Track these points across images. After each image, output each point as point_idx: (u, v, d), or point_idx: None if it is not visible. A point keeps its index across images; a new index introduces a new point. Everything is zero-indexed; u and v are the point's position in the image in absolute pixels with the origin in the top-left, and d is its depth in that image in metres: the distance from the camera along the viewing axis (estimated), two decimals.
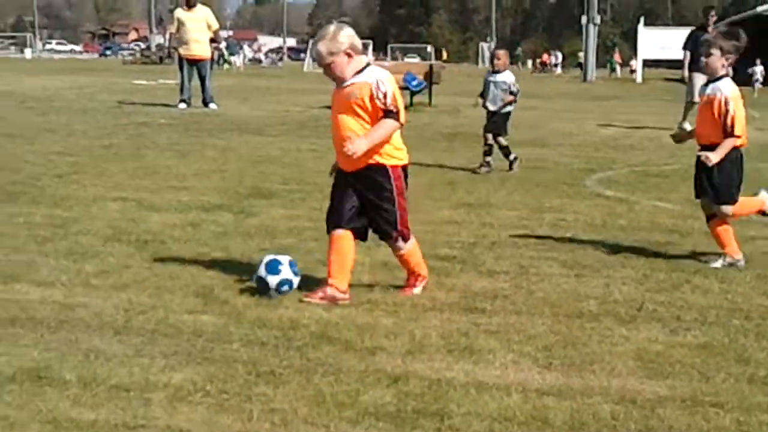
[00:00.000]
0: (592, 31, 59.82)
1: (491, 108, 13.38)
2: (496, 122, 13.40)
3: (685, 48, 21.54)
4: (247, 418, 4.30)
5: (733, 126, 7.34)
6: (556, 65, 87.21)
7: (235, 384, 4.68)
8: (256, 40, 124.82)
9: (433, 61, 48.92)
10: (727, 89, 7.41)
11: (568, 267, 7.43)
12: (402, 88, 25.59)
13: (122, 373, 4.77)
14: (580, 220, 9.53)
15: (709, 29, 21.50)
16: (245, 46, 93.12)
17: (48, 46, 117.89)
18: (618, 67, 75.60)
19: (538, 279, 7.03)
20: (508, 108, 13.46)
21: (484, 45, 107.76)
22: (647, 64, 65.66)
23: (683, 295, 6.64)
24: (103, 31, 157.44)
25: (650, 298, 6.53)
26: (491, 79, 13.47)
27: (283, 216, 9.33)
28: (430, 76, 27.53)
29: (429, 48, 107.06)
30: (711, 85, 7.52)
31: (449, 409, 4.43)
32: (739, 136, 7.43)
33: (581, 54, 65.37)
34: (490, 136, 13.33)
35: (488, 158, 13.25)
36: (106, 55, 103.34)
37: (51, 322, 5.61)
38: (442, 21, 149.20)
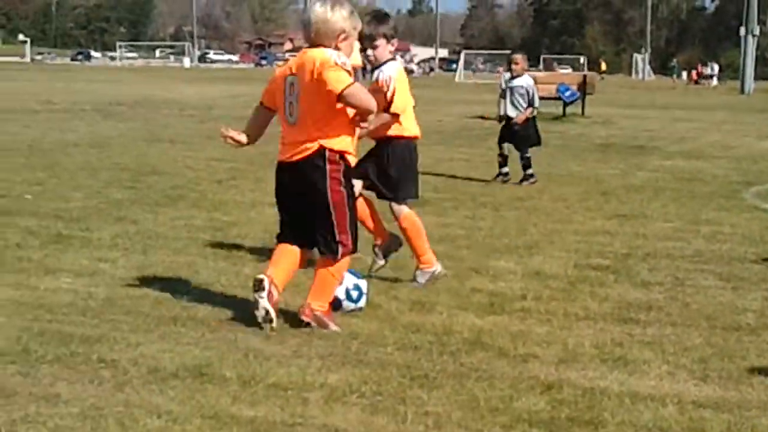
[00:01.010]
0: (751, 42, 58.46)
1: (511, 114, 12.80)
2: (518, 133, 12.76)
3: None
4: (401, 420, 4.35)
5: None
6: (711, 77, 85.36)
7: (390, 386, 4.75)
8: (408, 50, 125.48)
9: (587, 72, 48.46)
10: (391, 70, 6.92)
11: (725, 280, 7.31)
12: (555, 98, 25.49)
13: (280, 373, 4.88)
14: (738, 233, 9.35)
15: None
16: (398, 57, 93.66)
17: (206, 56, 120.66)
18: None
19: (693, 291, 6.93)
20: (527, 116, 12.84)
21: (638, 56, 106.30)
22: None
23: None
24: (260, 41, 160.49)
25: None
26: (510, 84, 12.89)
27: (436, 224, 9.38)
28: (583, 87, 27.30)
29: (582, 59, 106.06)
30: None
31: (603, 418, 4.41)
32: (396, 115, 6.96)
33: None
34: (506, 146, 12.82)
35: (504, 168, 12.76)
36: (261, 65, 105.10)
37: (211, 321, 5.77)
38: (595, 32, 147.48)
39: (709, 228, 9.58)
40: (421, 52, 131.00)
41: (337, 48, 5.71)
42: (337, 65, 5.56)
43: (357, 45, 6.21)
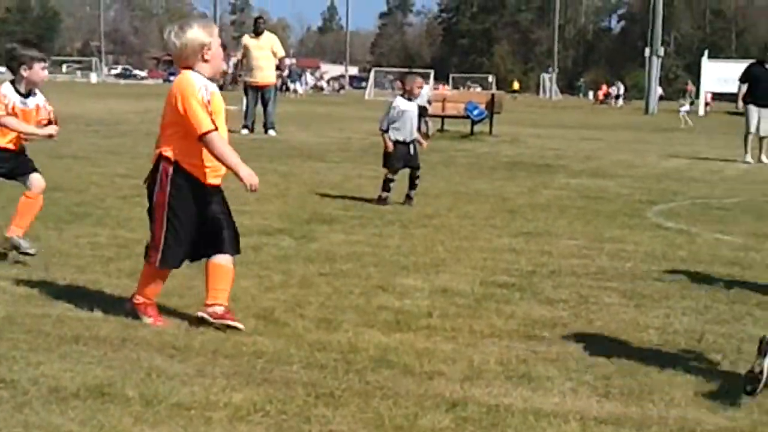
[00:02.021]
0: (656, 63, 59.56)
1: (407, 139, 12.38)
2: (414, 155, 12.44)
3: (741, 81, 21.51)
4: None
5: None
6: (617, 97, 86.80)
7: (295, 405, 4.72)
8: (318, 68, 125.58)
9: (495, 91, 48.88)
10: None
11: (628, 297, 7.41)
12: (463, 117, 25.71)
13: (183, 392, 4.83)
14: (641, 250, 9.49)
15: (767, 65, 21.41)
16: (307, 74, 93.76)
17: (113, 71, 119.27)
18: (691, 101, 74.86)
19: (597, 308, 7.02)
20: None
21: (545, 76, 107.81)
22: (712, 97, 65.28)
23: (744, 327, 6.59)
24: (168, 57, 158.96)
25: (710, 329, 6.49)
26: (405, 108, 12.34)
27: (344, 241, 9.39)
28: (491, 106, 27.54)
29: (490, 78, 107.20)
30: None
31: None
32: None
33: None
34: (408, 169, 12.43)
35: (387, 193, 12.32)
36: (170, 81, 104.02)
37: (114, 340, 5.69)
38: (504, 52, 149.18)
39: (613, 246, 9.71)
40: (331, 70, 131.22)
41: (205, 61, 5.93)
42: (202, 102, 5.83)
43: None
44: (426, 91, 27.34)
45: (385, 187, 12.26)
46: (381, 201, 12.15)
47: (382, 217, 11.09)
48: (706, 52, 66.51)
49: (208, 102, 5.87)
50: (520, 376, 5.31)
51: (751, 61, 22.66)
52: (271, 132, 23.71)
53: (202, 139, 5.80)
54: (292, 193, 12.81)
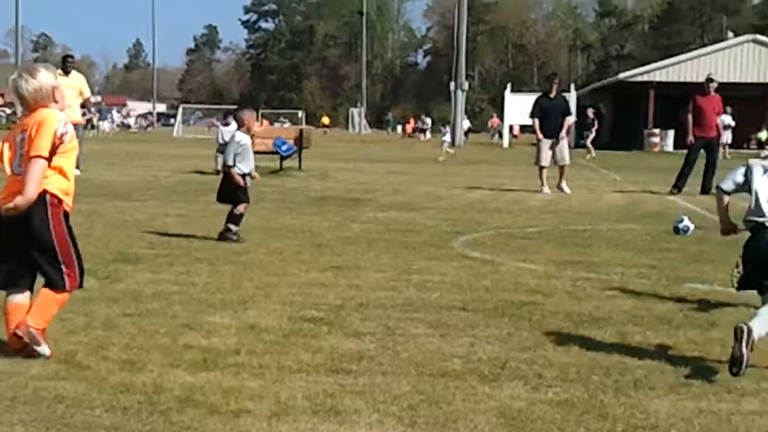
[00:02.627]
0: (461, 97, 60.95)
1: (251, 172, 12.62)
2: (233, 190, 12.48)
3: (532, 116, 22.27)
4: None
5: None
6: (424, 130, 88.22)
7: None
8: (125, 105, 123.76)
9: (304, 126, 49.02)
10: None
11: (434, 327, 7.52)
12: (272, 153, 25.73)
13: None
14: (447, 281, 9.65)
15: (552, 95, 22.22)
16: (114, 112, 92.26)
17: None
18: (497, 134, 76.92)
19: (404, 339, 7.09)
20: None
21: (354, 110, 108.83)
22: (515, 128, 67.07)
23: (545, 353, 6.77)
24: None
25: (513, 356, 6.64)
26: (246, 141, 12.54)
27: (150, 280, 9.24)
28: (300, 141, 27.64)
29: (300, 113, 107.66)
30: None
31: None
32: None
33: (464, 121, 66.23)
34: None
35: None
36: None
37: None
38: (313, 87, 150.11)
39: (420, 277, 9.84)
40: (138, 107, 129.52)
41: (55, 101, 6.36)
42: (54, 135, 6.22)
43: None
44: (235, 127, 27.26)
45: (237, 222, 12.29)
46: (232, 237, 12.13)
47: (189, 254, 10.97)
48: (509, 86, 68.39)
49: (62, 135, 6.25)
50: (327, 410, 5.31)
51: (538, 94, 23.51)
52: (75, 171, 23.20)
53: (32, 159, 6.14)
54: (95, 233, 12.53)
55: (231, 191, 12.45)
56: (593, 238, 13.59)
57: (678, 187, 22.46)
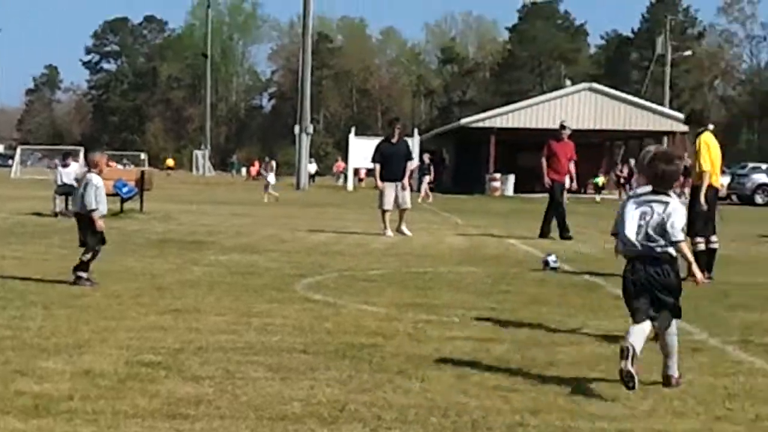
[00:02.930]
0: (305, 140, 61.11)
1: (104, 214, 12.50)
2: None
3: (374, 161, 22.49)
4: None
5: None
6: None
7: None
8: None
9: (146, 168, 48.43)
10: None
11: (274, 370, 7.46)
12: (112, 195, 25.33)
13: None
14: (288, 324, 9.60)
15: (394, 140, 22.48)
16: None
17: None
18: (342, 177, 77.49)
19: (243, 383, 7.01)
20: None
21: (198, 153, 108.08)
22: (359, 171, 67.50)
23: (385, 394, 6.78)
24: None
25: (353, 398, 6.63)
26: (101, 184, 12.34)
27: None
28: (141, 183, 27.28)
29: (143, 155, 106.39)
30: None
31: None
32: None
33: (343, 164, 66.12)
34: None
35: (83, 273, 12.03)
36: None
37: None
38: (156, 129, 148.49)
39: (261, 320, 9.77)
40: None
41: None
42: None
43: None
44: (75, 168, 26.80)
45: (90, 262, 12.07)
46: (87, 281, 11.82)
47: (24, 298, 10.68)
48: (353, 129, 68.90)
49: None
50: None
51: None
52: None
53: None
54: None
55: (93, 233, 12.17)
56: (434, 280, 13.73)
57: (561, 231, 22.56)
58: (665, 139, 62.47)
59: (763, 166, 56.48)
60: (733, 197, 53.66)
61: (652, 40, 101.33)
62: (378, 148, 22.59)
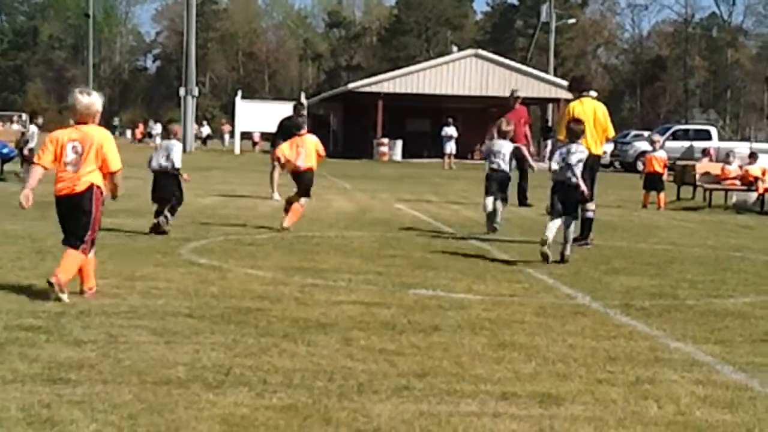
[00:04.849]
0: (191, 103, 60.38)
1: None
2: None
3: (275, 137, 22.46)
4: None
5: None
6: (153, 135, 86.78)
7: None
8: None
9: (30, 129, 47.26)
10: None
11: (158, 334, 7.37)
12: None
13: None
14: (173, 287, 9.49)
15: (301, 120, 22.36)
16: None
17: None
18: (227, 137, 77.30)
19: (126, 347, 6.91)
20: None
21: None
22: (246, 135, 67.09)
23: (271, 358, 6.75)
24: None
25: (238, 362, 6.58)
26: None
27: None
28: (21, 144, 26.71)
29: (24, 116, 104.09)
30: None
31: None
32: None
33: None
34: None
35: None
36: None
37: None
38: (37, 89, 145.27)
39: (145, 284, 9.64)
40: None
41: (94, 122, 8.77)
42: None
43: None
44: None
45: None
46: None
47: None
48: (239, 93, 68.31)
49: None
50: (43, 421, 5.12)
51: (285, 102, 23.59)
52: None
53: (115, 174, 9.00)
54: None
55: None
56: (322, 244, 13.71)
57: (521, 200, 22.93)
58: (550, 105, 63.33)
59: (645, 134, 57.50)
60: (616, 164, 54.55)
61: (537, 8, 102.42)
62: (281, 125, 22.44)
